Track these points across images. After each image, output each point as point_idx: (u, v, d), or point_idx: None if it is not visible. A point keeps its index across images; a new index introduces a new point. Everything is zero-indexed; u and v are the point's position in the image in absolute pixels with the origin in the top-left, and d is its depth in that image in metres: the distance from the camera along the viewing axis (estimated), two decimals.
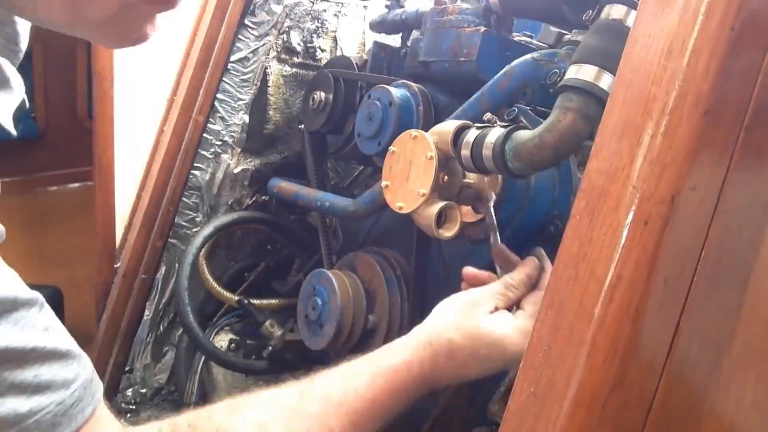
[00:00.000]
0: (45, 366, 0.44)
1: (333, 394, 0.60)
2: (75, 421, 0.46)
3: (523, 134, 0.66)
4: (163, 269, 1.38)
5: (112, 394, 1.37)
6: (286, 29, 1.31)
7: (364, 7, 1.41)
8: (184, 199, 1.35)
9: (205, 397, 1.33)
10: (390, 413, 0.62)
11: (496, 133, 0.68)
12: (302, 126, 1.26)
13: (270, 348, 1.23)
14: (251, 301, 1.28)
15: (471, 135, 0.70)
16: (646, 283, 0.39)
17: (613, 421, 0.40)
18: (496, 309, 0.68)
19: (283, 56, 1.33)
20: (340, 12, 1.38)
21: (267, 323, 1.24)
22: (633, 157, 0.39)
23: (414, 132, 0.75)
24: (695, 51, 0.39)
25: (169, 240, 1.36)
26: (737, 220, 0.43)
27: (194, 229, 1.37)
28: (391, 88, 0.96)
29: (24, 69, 0.50)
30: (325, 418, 0.58)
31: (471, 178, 0.79)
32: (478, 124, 0.73)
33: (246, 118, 1.32)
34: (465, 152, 0.70)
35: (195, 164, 1.34)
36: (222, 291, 1.31)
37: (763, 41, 0.42)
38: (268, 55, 1.31)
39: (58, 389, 0.45)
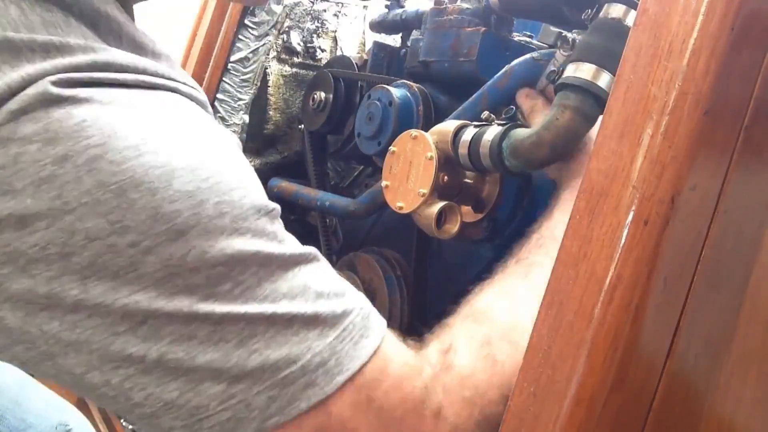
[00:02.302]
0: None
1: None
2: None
3: (520, 132, 0.66)
4: None
5: None
6: (286, 29, 1.31)
7: (364, 7, 1.41)
8: None
9: None
10: None
11: (493, 132, 0.68)
12: (302, 126, 1.26)
13: None
14: None
15: (468, 133, 0.70)
16: (646, 283, 0.39)
17: (613, 421, 0.40)
18: None
19: (283, 56, 1.33)
20: (340, 12, 1.38)
21: None
22: (633, 157, 0.39)
23: (414, 132, 0.75)
24: (695, 51, 0.38)
25: None
26: (737, 220, 0.43)
27: None
28: (391, 88, 0.96)
29: None
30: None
31: (471, 178, 0.79)
32: (476, 123, 0.73)
33: (246, 118, 1.32)
34: (462, 151, 0.70)
35: None
36: None
37: (763, 41, 0.41)
38: (268, 55, 1.31)
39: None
